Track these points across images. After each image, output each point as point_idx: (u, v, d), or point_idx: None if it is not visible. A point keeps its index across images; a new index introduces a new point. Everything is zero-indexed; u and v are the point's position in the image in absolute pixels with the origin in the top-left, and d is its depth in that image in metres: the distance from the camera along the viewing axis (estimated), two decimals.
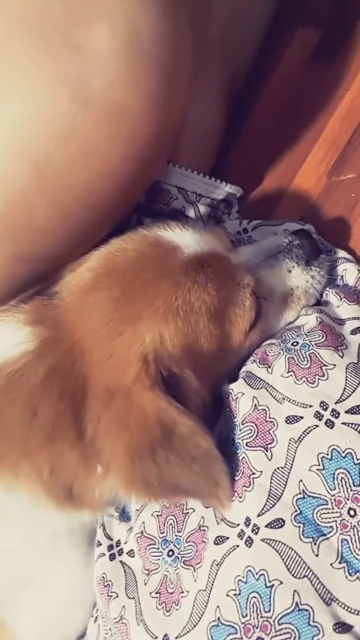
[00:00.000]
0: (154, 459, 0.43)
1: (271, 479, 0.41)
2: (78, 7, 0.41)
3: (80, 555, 0.54)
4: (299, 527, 0.39)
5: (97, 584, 0.48)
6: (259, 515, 0.40)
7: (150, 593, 0.45)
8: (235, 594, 0.39)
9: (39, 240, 0.50)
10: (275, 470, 0.41)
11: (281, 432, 0.43)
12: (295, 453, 0.41)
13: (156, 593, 0.44)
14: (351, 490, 0.39)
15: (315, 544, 0.38)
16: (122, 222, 0.56)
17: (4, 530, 0.52)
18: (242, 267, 0.49)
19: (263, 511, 0.40)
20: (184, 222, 0.51)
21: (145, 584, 0.45)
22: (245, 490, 0.42)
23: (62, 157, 0.44)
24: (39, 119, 0.43)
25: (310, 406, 0.42)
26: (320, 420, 0.42)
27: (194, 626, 0.40)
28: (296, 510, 0.40)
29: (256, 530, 0.40)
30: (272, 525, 0.40)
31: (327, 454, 0.40)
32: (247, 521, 0.41)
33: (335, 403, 0.42)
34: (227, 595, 0.39)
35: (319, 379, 0.43)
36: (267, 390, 0.45)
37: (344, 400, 0.42)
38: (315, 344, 0.45)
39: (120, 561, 0.49)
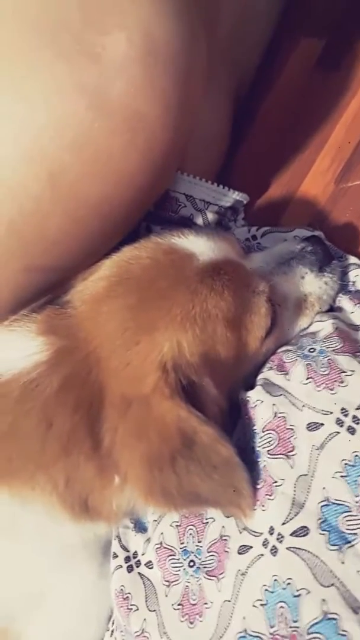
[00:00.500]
0: (174, 468, 0.43)
1: (294, 487, 0.41)
2: (94, 15, 0.41)
3: (95, 567, 0.53)
4: (325, 534, 0.39)
5: (116, 596, 0.48)
6: (283, 523, 0.40)
7: (172, 605, 0.44)
8: (262, 604, 0.39)
9: (51, 251, 0.50)
10: (298, 478, 0.41)
11: (302, 439, 0.42)
12: (317, 460, 0.41)
13: (178, 605, 0.44)
14: None
15: (341, 552, 0.38)
16: (132, 230, 0.56)
17: (18, 543, 0.51)
18: (256, 274, 0.49)
19: (287, 519, 0.40)
20: (196, 229, 0.51)
21: (167, 596, 0.45)
22: (268, 498, 0.42)
23: (77, 166, 0.44)
24: (55, 127, 0.42)
25: (331, 413, 0.42)
26: (341, 426, 0.42)
27: (220, 638, 0.40)
28: (321, 518, 0.40)
29: (281, 539, 0.40)
30: (297, 533, 0.40)
31: (350, 460, 0.40)
32: (271, 530, 0.40)
33: (356, 409, 0.42)
34: (253, 605, 0.39)
35: (338, 385, 0.43)
36: (286, 398, 0.45)
37: None
38: (333, 351, 0.45)
39: (139, 573, 0.48)
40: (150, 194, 0.51)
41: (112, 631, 0.51)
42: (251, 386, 0.48)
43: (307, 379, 0.45)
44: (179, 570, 0.45)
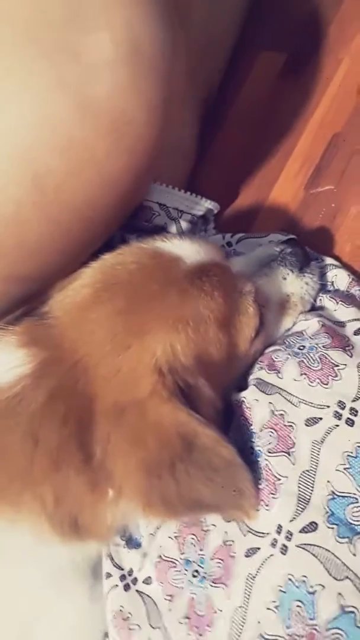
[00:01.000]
0: (173, 474, 0.41)
1: (298, 483, 0.41)
2: (78, 14, 0.41)
3: (86, 589, 0.51)
4: (333, 528, 0.39)
5: (114, 618, 0.45)
6: (290, 521, 0.40)
7: (178, 619, 0.42)
8: (276, 606, 0.38)
9: (31, 259, 0.48)
10: (301, 474, 0.41)
11: (302, 435, 0.42)
12: (319, 454, 0.41)
13: (185, 618, 0.42)
14: None
15: (351, 544, 0.38)
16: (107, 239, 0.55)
17: (3, 568, 0.48)
18: (242, 276, 0.49)
19: (294, 516, 0.40)
20: (180, 234, 0.50)
21: (170, 610, 0.43)
22: (272, 497, 0.41)
23: (62, 169, 0.43)
24: (39, 129, 0.41)
25: (328, 406, 0.43)
26: (339, 419, 0.42)
27: None
28: (328, 512, 0.39)
29: (290, 537, 0.39)
30: (305, 529, 0.39)
31: (352, 452, 0.40)
32: (279, 528, 0.40)
33: (352, 401, 0.42)
34: (267, 608, 0.38)
35: (332, 379, 0.44)
36: (281, 395, 0.45)
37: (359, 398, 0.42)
38: (323, 346, 0.46)
39: (137, 590, 0.46)
40: (133, 198, 0.51)
41: None
42: (241, 388, 0.48)
43: (301, 375, 0.45)
44: (182, 582, 0.43)
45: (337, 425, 0.42)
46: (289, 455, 0.42)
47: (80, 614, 0.51)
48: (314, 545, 0.38)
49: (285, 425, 0.43)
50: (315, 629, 0.36)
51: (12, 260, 0.47)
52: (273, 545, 0.39)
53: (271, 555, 0.39)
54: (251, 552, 0.40)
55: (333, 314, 0.50)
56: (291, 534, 0.39)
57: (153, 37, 0.43)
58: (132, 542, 0.50)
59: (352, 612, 0.36)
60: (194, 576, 0.43)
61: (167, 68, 0.44)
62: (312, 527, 0.39)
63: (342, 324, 0.49)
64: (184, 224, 0.62)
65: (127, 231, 0.61)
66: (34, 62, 0.40)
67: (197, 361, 0.45)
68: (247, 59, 0.70)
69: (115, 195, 0.46)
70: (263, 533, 0.40)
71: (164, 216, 0.62)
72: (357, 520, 0.39)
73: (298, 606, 0.37)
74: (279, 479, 0.41)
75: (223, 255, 0.52)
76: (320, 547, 0.38)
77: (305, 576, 0.37)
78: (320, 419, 0.42)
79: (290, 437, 0.42)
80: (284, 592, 0.38)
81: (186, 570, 0.44)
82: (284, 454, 0.42)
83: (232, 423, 0.48)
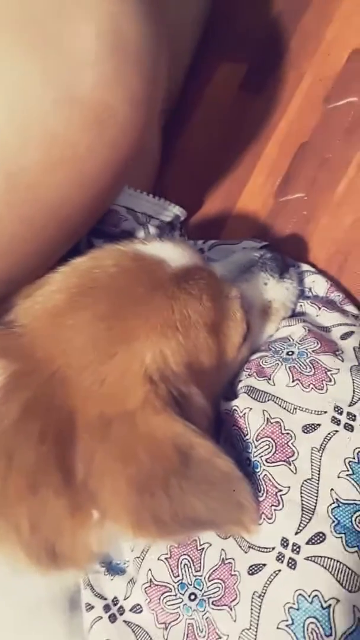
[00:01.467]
0: (167, 491, 0.38)
1: (301, 492, 0.39)
2: (63, 6, 0.38)
3: (63, 623, 0.46)
4: (341, 537, 0.37)
5: None
6: (296, 533, 0.38)
7: None
8: (287, 625, 0.35)
9: (1, 260, 0.44)
10: (303, 483, 0.39)
11: (300, 442, 0.41)
12: (320, 462, 0.40)
13: None
14: None
15: None
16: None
17: None
18: (226, 280, 0.48)
19: (300, 528, 0.38)
20: (160, 236, 0.48)
21: (166, 639, 0.40)
22: (275, 509, 0.39)
23: (40, 165, 0.40)
24: (18, 122, 0.38)
25: (325, 412, 0.41)
26: (338, 425, 0.41)
27: None
28: (334, 521, 0.38)
29: (297, 550, 0.37)
30: (313, 541, 0.37)
31: (354, 458, 0.39)
32: (285, 542, 0.38)
33: (349, 406, 0.41)
34: (278, 628, 0.36)
35: (326, 384, 0.43)
36: (275, 402, 0.43)
37: (357, 401, 0.42)
38: (313, 351, 0.45)
39: (125, 621, 0.42)
40: (109, 197, 0.48)
41: None
42: (227, 397, 0.46)
43: (293, 381, 0.44)
44: (178, 608, 0.40)
45: (337, 431, 0.40)
46: (289, 464, 0.40)
47: None
48: (324, 556, 0.37)
49: (282, 434, 0.41)
50: None
51: None
52: (280, 559, 0.37)
53: (279, 570, 0.37)
54: (256, 569, 0.38)
55: (316, 319, 0.50)
56: (299, 547, 0.37)
57: (138, 32, 0.41)
58: (113, 569, 0.46)
59: None
60: (191, 599, 0.40)
61: (152, 64, 0.42)
62: (319, 537, 0.37)
63: (327, 329, 0.48)
64: (152, 230, 0.60)
65: (94, 236, 0.58)
66: (15, 52, 0.37)
67: (189, 369, 0.42)
68: (208, 70, 0.70)
69: (93, 193, 0.44)
70: (267, 548, 0.38)
71: (132, 221, 0.59)
72: None
73: (312, 623, 0.35)
74: (281, 490, 0.39)
75: (204, 259, 0.50)
76: (331, 558, 0.36)
77: (317, 590, 0.36)
78: (319, 425, 0.41)
79: (289, 446, 0.41)
80: (296, 609, 0.36)
81: (181, 594, 0.40)
82: (283, 463, 0.40)
83: (220, 434, 0.45)
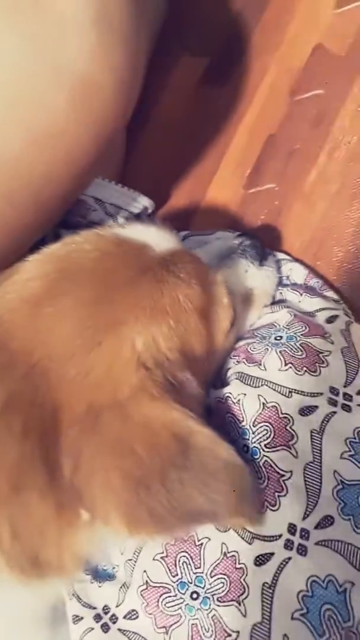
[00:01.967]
0: (164, 483, 0.36)
1: (304, 476, 0.38)
2: None
3: (47, 638, 0.42)
4: (350, 519, 0.36)
5: None
6: (304, 518, 0.36)
7: None
8: (302, 614, 0.34)
9: None
10: (305, 466, 0.38)
11: (299, 426, 0.40)
12: (321, 444, 0.39)
13: None
14: None
15: None
16: None
17: None
18: (210, 266, 0.46)
19: (307, 513, 0.36)
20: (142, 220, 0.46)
21: None
22: (279, 495, 0.37)
23: (23, 138, 0.37)
24: (3, 93, 0.35)
25: (321, 394, 0.41)
26: (335, 406, 0.40)
27: None
28: (340, 503, 0.37)
29: (306, 535, 0.36)
30: (321, 525, 0.36)
31: (355, 438, 0.39)
32: (292, 528, 0.36)
33: (344, 387, 0.41)
34: (292, 618, 0.34)
35: (319, 366, 0.42)
36: (269, 387, 0.42)
37: (350, 382, 0.41)
38: (302, 335, 0.44)
39: (119, 629, 0.39)
40: (88, 179, 0.46)
41: None
42: (216, 386, 0.44)
43: (286, 365, 0.42)
44: (179, 609, 0.38)
45: (335, 412, 0.40)
46: (290, 448, 0.39)
47: None
48: (335, 540, 0.35)
49: (280, 418, 0.40)
50: (352, 631, 0.33)
51: None
52: (288, 547, 0.36)
53: (289, 558, 0.35)
54: (263, 559, 0.36)
55: (299, 305, 0.49)
56: (307, 532, 0.36)
57: (122, 9, 0.39)
58: (101, 575, 0.42)
59: None
60: (194, 598, 0.37)
61: (134, 39, 0.41)
62: (328, 521, 0.36)
63: (311, 314, 0.48)
64: (121, 222, 0.58)
65: (61, 227, 0.55)
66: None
67: (182, 354, 0.40)
68: (170, 63, 0.69)
69: (77, 171, 0.41)
70: (273, 536, 0.37)
71: (101, 212, 0.57)
72: None
73: (329, 609, 0.34)
74: (283, 475, 0.38)
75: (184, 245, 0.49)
76: (342, 541, 0.35)
77: (331, 575, 0.34)
78: (316, 407, 0.40)
79: (287, 430, 0.40)
80: (311, 596, 0.34)
81: (182, 593, 0.38)
82: (283, 447, 0.39)
83: (209, 425, 0.44)
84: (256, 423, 0.40)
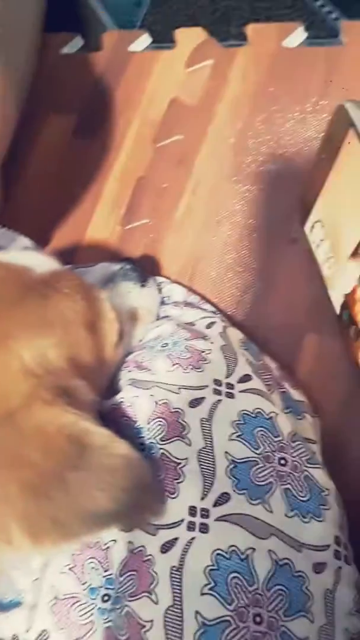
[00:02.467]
0: (65, 488, 0.36)
1: (199, 461, 0.40)
2: None
3: None
4: (244, 493, 0.39)
5: None
6: (202, 498, 0.38)
7: None
8: (211, 587, 0.35)
9: None
10: (198, 452, 0.40)
11: (190, 417, 0.42)
12: (211, 430, 0.41)
13: None
14: (274, 442, 0.41)
15: (265, 502, 0.38)
16: None
17: None
18: (94, 284, 0.49)
19: (205, 493, 0.38)
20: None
21: None
22: (177, 482, 0.39)
23: None
24: None
25: (206, 386, 0.43)
26: (220, 395, 0.43)
27: None
28: (234, 480, 0.39)
29: (206, 514, 0.38)
30: (219, 502, 0.38)
31: (240, 420, 0.42)
32: (192, 510, 0.38)
33: (226, 377, 0.44)
34: (202, 594, 0.35)
35: (203, 363, 0.45)
36: (159, 387, 0.44)
37: (231, 373, 0.45)
38: (185, 339, 0.47)
39: None
40: None
41: None
42: (108, 396, 0.46)
43: (173, 365, 0.45)
44: (91, 615, 0.37)
45: (220, 400, 0.43)
46: (183, 438, 0.41)
47: None
48: (233, 514, 0.37)
49: (171, 412, 0.42)
50: (259, 593, 0.35)
51: None
52: (191, 528, 0.37)
53: (192, 538, 0.37)
54: (168, 545, 0.37)
55: (180, 318, 0.53)
56: (207, 511, 0.38)
57: None
58: (5, 606, 0.41)
59: (287, 563, 0.36)
60: (105, 601, 0.37)
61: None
62: (225, 497, 0.38)
63: (192, 324, 0.51)
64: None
65: None
66: None
67: (71, 363, 0.42)
68: (40, 120, 0.74)
69: None
70: (175, 522, 0.38)
71: None
72: (263, 480, 0.39)
73: (235, 577, 0.35)
74: (180, 463, 0.40)
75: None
76: (240, 514, 0.38)
77: (233, 546, 0.36)
78: (203, 398, 0.43)
79: (179, 422, 0.42)
80: (217, 569, 0.35)
81: (93, 599, 0.37)
82: (177, 438, 0.41)
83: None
84: (150, 420, 0.42)
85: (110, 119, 0.71)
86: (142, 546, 0.38)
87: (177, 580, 0.36)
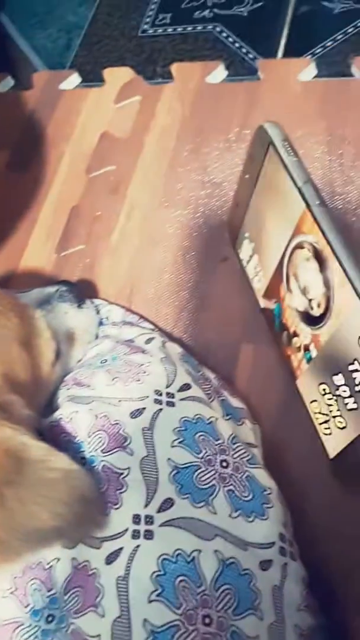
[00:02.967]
0: (3, 505, 0.35)
1: (141, 469, 0.40)
2: None
3: None
4: (187, 497, 0.39)
5: None
6: (146, 506, 0.38)
7: None
8: (158, 594, 0.34)
9: None
10: (141, 460, 0.40)
11: (131, 428, 0.42)
12: (152, 439, 0.41)
13: None
14: (215, 445, 0.41)
15: (209, 505, 0.38)
16: None
17: None
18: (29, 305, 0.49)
19: (148, 500, 0.38)
20: None
21: None
22: (119, 492, 0.39)
23: None
24: None
25: (147, 397, 0.44)
26: (161, 404, 0.43)
27: None
28: (177, 486, 0.39)
29: (151, 520, 0.37)
30: (163, 508, 0.38)
31: (181, 426, 0.42)
32: (137, 518, 0.37)
33: (166, 387, 0.45)
34: (149, 601, 0.34)
35: (142, 376, 0.45)
36: (99, 402, 0.44)
37: (171, 383, 0.45)
38: (125, 354, 0.48)
39: None
40: None
41: None
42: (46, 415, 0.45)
43: (113, 380, 0.45)
44: (35, 638, 0.35)
45: (161, 409, 0.43)
46: (125, 448, 0.41)
47: None
48: (177, 518, 0.37)
49: (112, 424, 0.42)
50: (206, 594, 0.34)
51: None
52: (136, 536, 0.36)
53: (137, 546, 0.36)
54: (113, 556, 0.36)
55: (120, 336, 0.53)
56: (151, 517, 0.37)
57: None
58: None
59: (233, 562, 0.36)
60: (49, 621, 0.35)
61: None
62: (168, 503, 0.38)
63: (131, 340, 0.52)
64: None
65: None
66: None
67: (6, 379, 0.41)
68: None
69: None
70: (119, 532, 0.37)
71: None
72: (206, 483, 0.39)
73: (182, 580, 0.34)
74: (122, 473, 0.39)
75: None
76: (183, 517, 0.37)
77: (179, 549, 0.36)
78: (144, 408, 0.43)
79: (120, 434, 0.41)
80: (163, 574, 0.35)
81: (36, 621, 0.36)
82: (119, 449, 0.41)
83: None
84: (90, 434, 0.42)
85: (43, 152, 0.73)
86: (87, 561, 0.37)
87: (124, 589, 0.35)
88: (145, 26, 0.83)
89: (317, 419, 0.45)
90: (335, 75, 0.68)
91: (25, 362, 0.44)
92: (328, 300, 0.40)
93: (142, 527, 0.37)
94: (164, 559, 0.35)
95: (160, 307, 0.58)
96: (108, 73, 0.77)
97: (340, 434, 0.42)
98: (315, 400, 0.44)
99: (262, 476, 0.41)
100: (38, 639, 0.35)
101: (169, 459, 0.40)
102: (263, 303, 0.52)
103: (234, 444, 0.42)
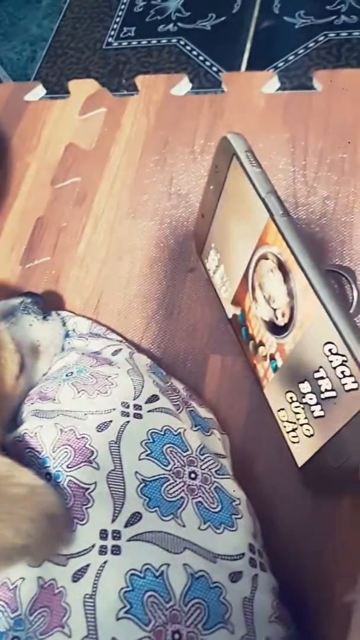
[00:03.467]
0: None
1: (108, 484, 0.39)
2: None
3: None
4: (155, 510, 0.38)
5: None
6: (113, 521, 0.37)
7: None
8: (127, 610, 0.34)
9: None
10: (108, 475, 0.39)
11: (98, 442, 0.41)
12: (119, 452, 0.41)
13: None
14: (183, 456, 0.41)
15: (177, 517, 0.38)
16: None
17: None
18: None
19: (115, 515, 0.37)
20: None
21: None
22: (85, 507, 0.38)
23: None
24: None
25: (114, 409, 0.43)
26: (128, 416, 0.43)
27: None
28: (145, 499, 0.38)
29: (118, 536, 0.36)
30: (131, 522, 0.37)
31: (149, 438, 0.41)
32: (104, 533, 0.36)
33: (134, 399, 0.44)
34: (118, 619, 0.33)
35: (109, 388, 0.45)
36: (64, 415, 0.43)
37: (139, 395, 0.44)
38: (91, 366, 0.47)
39: None
40: None
41: None
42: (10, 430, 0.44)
43: (78, 393, 0.44)
44: None
45: (128, 422, 0.42)
46: (91, 462, 0.40)
47: None
48: (145, 532, 0.37)
49: (78, 438, 0.41)
50: (176, 609, 0.34)
51: None
52: (103, 552, 0.36)
53: (105, 562, 0.35)
54: (80, 574, 0.35)
55: (86, 348, 0.52)
56: (119, 532, 0.36)
57: None
58: None
59: (203, 575, 0.35)
60: None
61: None
62: (136, 517, 0.37)
63: (98, 352, 0.51)
64: None
65: None
66: None
67: None
68: None
69: None
70: (86, 549, 0.36)
71: None
72: (174, 496, 0.39)
73: (151, 596, 0.34)
74: (88, 488, 0.39)
75: None
76: (151, 531, 0.37)
77: (147, 564, 0.35)
78: (111, 421, 0.42)
79: (86, 447, 0.41)
80: (131, 590, 0.34)
81: None
82: (85, 463, 0.40)
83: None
84: (55, 449, 0.41)
85: (7, 164, 0.72)
86: (53, 579, 0.36)
87: (91, 608, 0.34)
88: (110, 39, 0.83)
89: (285, 427, 0.45)
90: (298, 88, 0.69)
91: None
92: (292, 309, 0.41)
93: (110, 543, 0.36)
94: (132, 574, 0.35)
95: (128, 318, 0.58)
96: (73, 85, 0.77)
97: (308, 441, 0.42)
98: (282, 409, 0.45)
99: (231, 486, 0.41)
100: None
101: (136, 472, 0.40)
102: (230, 313, 0.52)
103: (203, 454, 0.42)
